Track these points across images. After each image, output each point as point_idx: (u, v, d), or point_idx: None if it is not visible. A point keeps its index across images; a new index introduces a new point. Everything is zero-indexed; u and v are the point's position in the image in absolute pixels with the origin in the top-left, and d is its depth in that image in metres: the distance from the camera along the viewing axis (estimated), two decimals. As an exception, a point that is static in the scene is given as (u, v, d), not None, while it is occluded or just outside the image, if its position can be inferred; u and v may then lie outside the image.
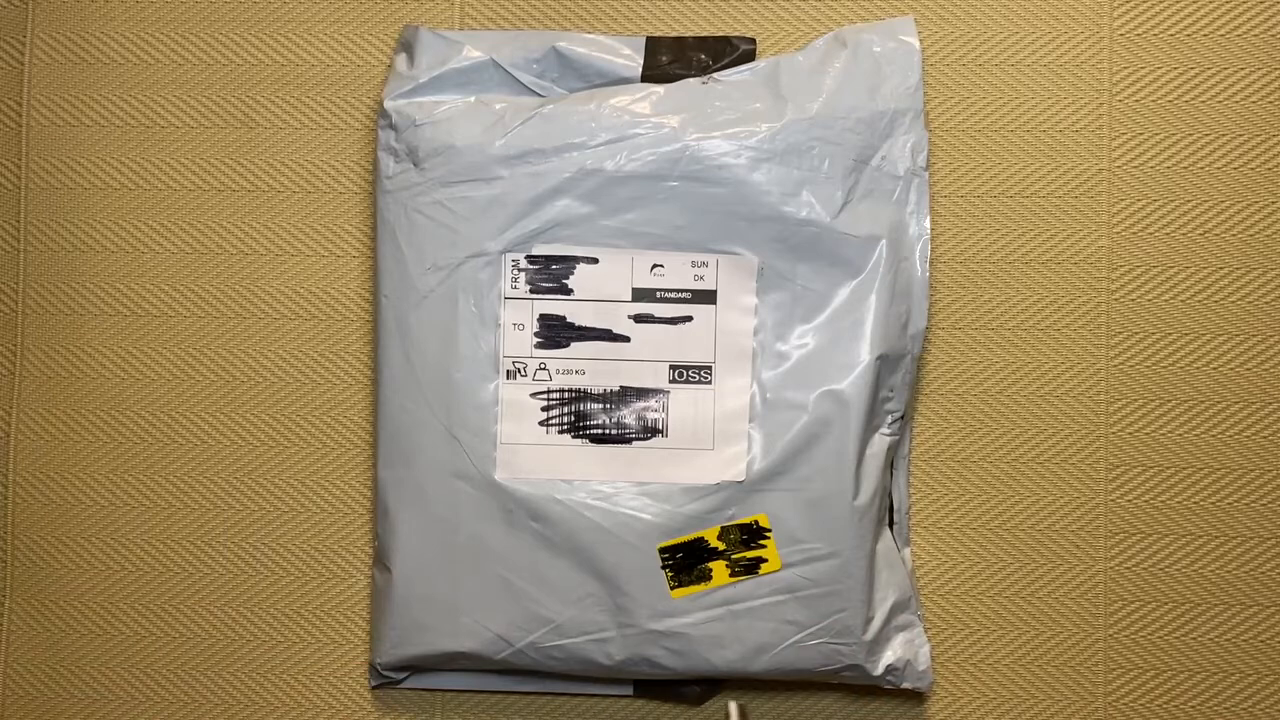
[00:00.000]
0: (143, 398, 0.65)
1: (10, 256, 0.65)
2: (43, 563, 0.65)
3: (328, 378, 0.64)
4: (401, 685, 0.63)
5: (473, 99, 0.61)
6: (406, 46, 0.63)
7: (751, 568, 0.59)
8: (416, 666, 0.62)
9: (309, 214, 0.65)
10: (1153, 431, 0.62)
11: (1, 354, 0.65)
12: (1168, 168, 0.62)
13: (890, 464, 0.61)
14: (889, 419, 0.60)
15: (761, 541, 0.59)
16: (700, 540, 0.59)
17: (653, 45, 0.63)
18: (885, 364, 0.59)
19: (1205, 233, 0.62)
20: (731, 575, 0.59)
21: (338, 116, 0.65)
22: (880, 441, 0.60)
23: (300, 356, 0.64)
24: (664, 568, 0.59)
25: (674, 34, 0.64)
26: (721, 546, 0.59)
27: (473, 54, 0.62)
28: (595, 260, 0.60)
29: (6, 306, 0.66)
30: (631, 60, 0.62)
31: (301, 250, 0.65)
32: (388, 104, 0.61)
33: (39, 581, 0.65)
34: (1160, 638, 0.62)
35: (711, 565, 0.59)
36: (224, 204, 0.65)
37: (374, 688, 0.63)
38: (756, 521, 0.59)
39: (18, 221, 0.65)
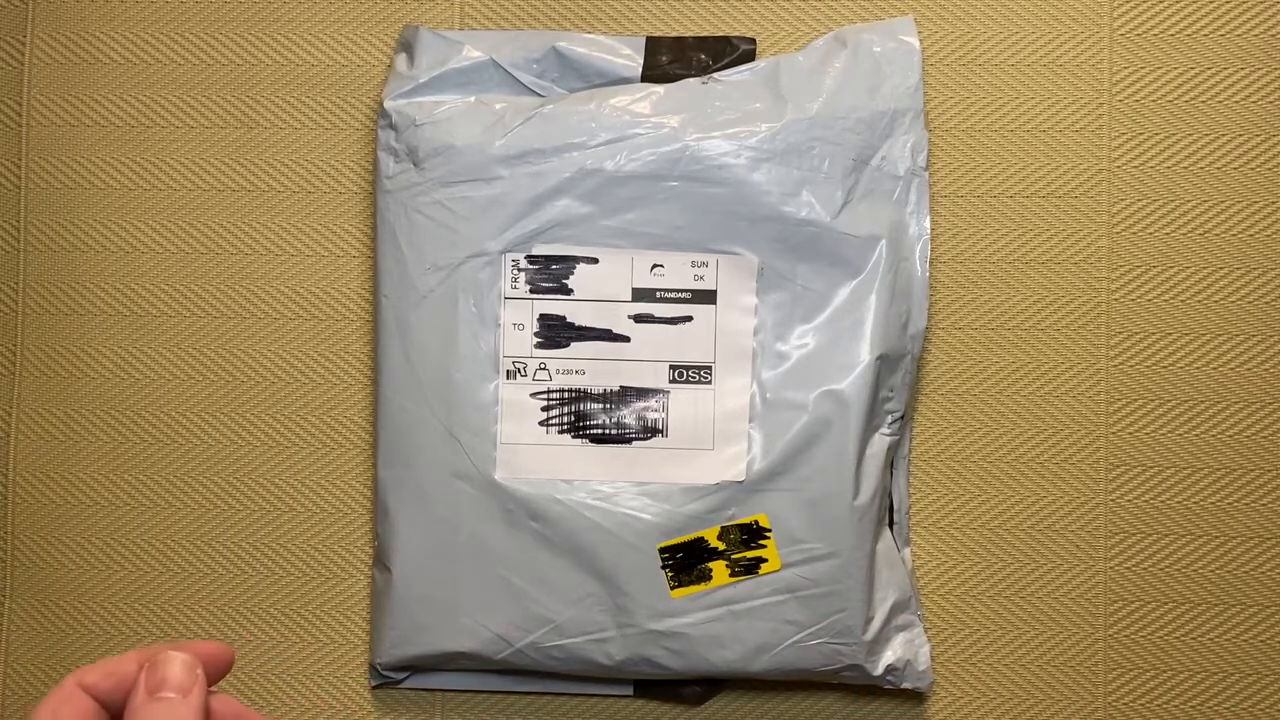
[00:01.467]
0: (143, 398, 0.65)
1: (10, 256, 0.65)
2: (43, 563, 0.65)
3: (328, 378, 0.64)
4: (401, 685, 0.63)
5: (473, 99, 0.61)
6: (406, 46, 0.63)
7: (751, 568, 0.59)
8: (416, 666, 0.62)
9: (309, 214, 0.65)
10: (1153, 431, 0.62)
11: (1, 354, 0.65)
12: (1168, 168, 0.62)
13: (890, 464, 0.61)
14: (889, 419, 0.60)
15: (761, 541, 0.59)
16: (700, 540, 0.59)
17: (653, 45, 0.63)
18: (885, 364, 0.59)
19: (1205, 233, 0.62)
20: (731, 575, 0.59)
21: (338, 116, 0.65)
22: (880, 441, 0.60)
23: (300, 356, 0.64)
24: (664, 568, 0.59)
25: (674, 34, 0.64)
26: (721, 546, 0.59)
27: (473, 54, 0.62)
28: (595, 260, 0.60)
29: (6, 306, 0.65)
30: (631, 60, 0.62)
31: (301, 250, 0.65)
32: (388, 104, 0.61)
33: (39, 581, 0.65)
34: (1160, 638, 0.62)
35: (711, 565, 0.59)
36: (224, 204, 0.65)
37: (374, 688, 0.63)
38: (756, 521, 0.59)
39: (18, 221, 0.65)
